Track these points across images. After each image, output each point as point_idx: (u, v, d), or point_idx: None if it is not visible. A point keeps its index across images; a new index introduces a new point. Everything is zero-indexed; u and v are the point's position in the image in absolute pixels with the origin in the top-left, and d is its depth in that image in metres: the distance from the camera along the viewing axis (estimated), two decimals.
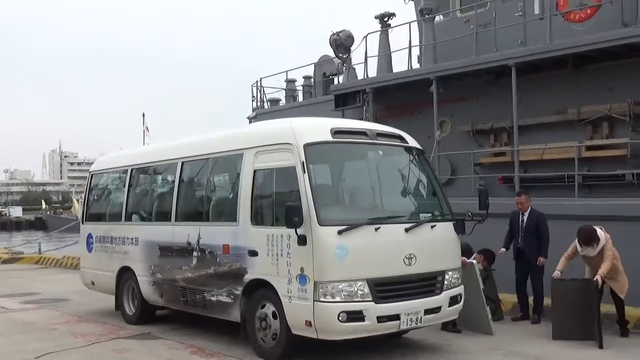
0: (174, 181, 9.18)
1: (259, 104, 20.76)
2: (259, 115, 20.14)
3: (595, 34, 11.40)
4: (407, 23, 14.93)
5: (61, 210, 79.02)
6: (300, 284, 6.91)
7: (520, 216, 9.43)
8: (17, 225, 75.47)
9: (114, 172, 11.09)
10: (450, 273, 7.60)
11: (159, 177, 10.00)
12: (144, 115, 37.11)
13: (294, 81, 20.12)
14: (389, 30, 15.55)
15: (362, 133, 7.68)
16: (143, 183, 10.43)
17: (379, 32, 15.55)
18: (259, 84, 20.42)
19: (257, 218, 7.62)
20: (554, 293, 8.63)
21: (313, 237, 6.75)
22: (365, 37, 15.20)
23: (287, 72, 19.78)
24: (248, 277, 7.60)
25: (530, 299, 9.49)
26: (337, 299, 6.73)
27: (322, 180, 7.12)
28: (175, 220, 8.99)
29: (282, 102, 20.54)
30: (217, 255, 8.09)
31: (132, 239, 9.85)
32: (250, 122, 21.04)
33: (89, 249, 11.03)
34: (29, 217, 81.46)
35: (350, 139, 7.53)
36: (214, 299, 8.16)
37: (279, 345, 7.31)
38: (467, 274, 8.26)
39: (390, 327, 6.99)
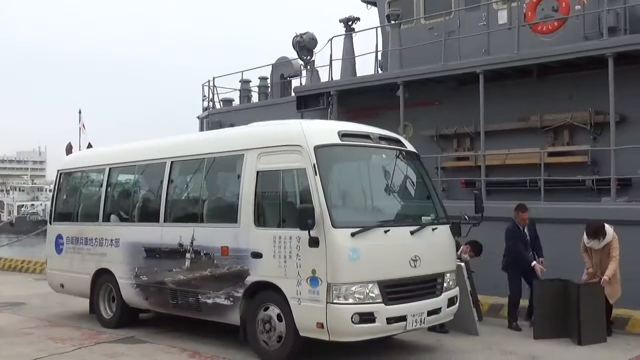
0: (161, 181, 8.97)
1: (210, 103, 20.50)
2: (211, 114, 19.91)
3: (562, 46, 11.92)
4: (374, 28, 15.15)
5: None
6: (311, 286, 6.91)
7: (523, 229, 9.41)
8: None
9: (88, 170, 10.72)
10: (448, 275, 7.80)
11: (144, 177, 9.70)
12: (80, 112, 35.73)
13: (248, 82, 19.97)
14: (353, 34, 15.70)
15: (366, 136, 7.76)
16: (124, 183, 10.12)
17: (343, 36, 15.67)
18: (211, 84, 20.16)
19: (261, 220, 7.57)
20: (536, 294, 8.99)
21: (327, 239, 6.77)
22: (331, 40, 15.29)
23: (242, 72, 19.62)
24: (250, 279, 7.53)
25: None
26: (350, 300, 6.78)
27: (332, 182, 7.14)
28: (164, 221, 8.79)
29: (236, 102, 20.34)
30: (214, 257, 7.97)
31: (111, 240, 9.55)
32: (201, 121, 20.78)
33: (58, 251, 10.61)
34: None
35: (356, 142, 7.60)
36: (209, 301, 8.03)
37: (284, 347, 7.28)
38: (455, 275, 8.45)
39: (397, 328, 7.10)
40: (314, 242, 6.83)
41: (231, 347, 8.01)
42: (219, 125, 19.19)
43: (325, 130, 7.59)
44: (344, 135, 7.51)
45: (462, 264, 8.71)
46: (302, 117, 15.89)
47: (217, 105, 20.35)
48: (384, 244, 7.04)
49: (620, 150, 11.12)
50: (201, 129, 20.75)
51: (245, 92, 20.00)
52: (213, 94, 20.17)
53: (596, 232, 8.46)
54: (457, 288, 8.03)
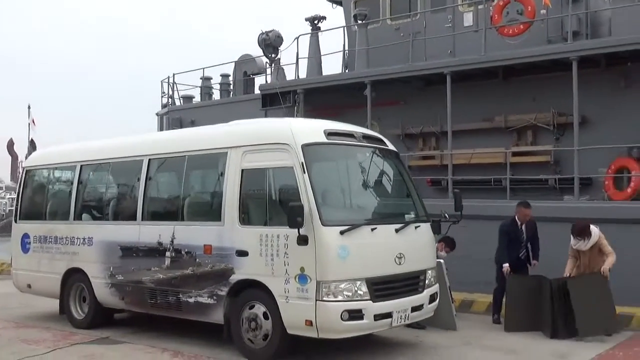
0: (138, 179, 8.82)
1: (169, 100, 20.23)
2: (171, 111, 19.66)
3: (527, 49, 12.25)
4: (341, 27, 15.23)
5: None
6: (300, 283, 6.92)
7: (520, 226, 9.54)
8: None
9: (58, 168, 10.43)
10: (429, 272, 7.93)
11: (119, 175, 9.52)
12: (29, 108, 34.61)
13: (209, 79, 19.78)
14: (319, 33, 15.74)
15: (351, 135, 7.82)
16: (97, 180, 9.90)
17: (310, 35, 15.70)
18: (170, 80, 19.89)
19: (246, 218, 7.54)
20: (509, 289, 9.25)
21: (316, 238, 6.80)
22: (297, 38, 15.30)
23: (203, 69, 19.43)
24: (235, 278, 7.50)
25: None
26: (339, 298, 6.83)
27: (319, 180, 7.16)
28: (142, 220, 8.65)
29: (196, 99, 20.13)
30: (196, 256, 7.89)
31: (84, 238, 9.34)
32: (160, 118, 20.50)
33: (25, 250, 10.31)
34: None
35: (341, 140, 7.65)
36: (191, 300, 7.95)
37: (270, 345, 7.28)
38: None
39: (383, 324, 7.19)
40: (302, 240, 6.85)
41: (214, 346, 7.96)
42: (180, 122, 19.00)
43: (312, 128, 7.61)
44: (329, 134, 7.55)
45: (442, 261, 8.86)
46: (266, 115, 15.87)
47: (177, 102, 20.10)
48: (370, 241, 7.12)
49: (581, 150, 11.49)
50: (160, 126, 20.49)
51: (206, 90, 19.82)
52: (173, 91, 19.91)
53: (581, 231, 8.61)
54: (437, 285, 8.17)
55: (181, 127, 18.74)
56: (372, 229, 7.15)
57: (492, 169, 13.13)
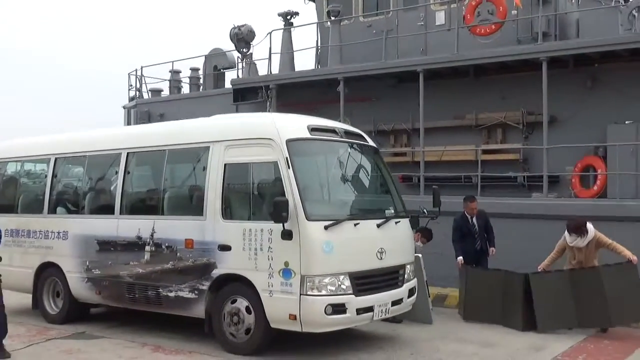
0: (117, 172, 8.74)
1: (136, 93, 19.99)
2: (139, 104, 19.42)
3: (498, 48, 12.50)
4: (314, 23, 15.26)
5: None
6: (283, 278, 6.98)
7: (471, 220, 9.85)
8: None
9: (29, 160, 10.25)
10: (408, 267, 8.07)
11: (96, 168, 9.38)
12: None
13: (178, 72, 19.60)
14: (292, 28, 15.76)
15: (333, 131, 7.90)
16: (73, 174, 9.77)
17: (282, 30, 15.70)
18: (138, 73, 19.66)
19: (228, 212, 7.55)
20: (464, 280, 9.51)
21: (300, 232, 6.86)
22: (270, 33, 15.28)
23: (172, 62, 19.25)
24: (217, 272, 7.51)
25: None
26: (323, 292, 6.91)
27: (303, 176, 7.21)
28: (120, 214, 8.58)
29: (165, 93, 19.92)
30: (177, 250, 7.87)
31: (58, 232, 9.22)
32: (127, 111, 20.25)
33: None
34: None
35: (324, 136, 7.72)
36: (171, 294, 7.93)
37: (253, 339, 7.33)
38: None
39: (365, 318, 7.30)
40: (287, 235, 6.90)
41: (193, 341, 7.97)
42: (148, 115, 18.81)
43: (296, 124, 7.66)
44: (313, 129, 7.62)
45: (420, 255, 9.00)
46: (237, 110, 15.85)
47: (145, 95, 19.87)
48: (353, 236, 7.22)
49: (550, 149, 11.78)
50: (127, 119, 20.25)
51: (175, 83, 19.62)
52: (141, 84, 19.68)
53: (578, 228, 8.64)
54: (416, 279, 8.32)
55: (149, 120, 18.56)
56: (355, 224, 7.25)
57: (462, 166, 13.37)
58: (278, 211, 6.77)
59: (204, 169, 7.81)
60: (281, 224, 6.84)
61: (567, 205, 11.28)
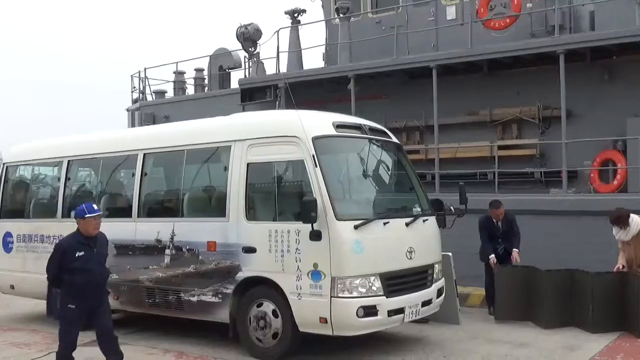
0: (133, 174, 8.51)
1: (140, 95, 19.75)
2: (143, 106, 19.18)
3: (513, 42, 12.30)
4: (323, 20, 15.05)
5: None
6: (313, 280, 6.76)
7: (496, 223, 9.58)
8: None
9: (41, 163, 10.01)
10: (437, 266, 7.87)
11: (111, 170, 9.16)
12: None
13: (183, 73, 19.37)
14: (300, 26, 15.55)
15: (358, 127, 7.69)
16: (87, 176, 9.54)
17: (289, 28, 15.48)
18: (141, 75, 19.41)
19: (253, 213, 7.32)
20: (497, 279, 9.27)
21: (330, 232, 6.64)
22: (277, 31, 15.05)
23: (176, 63, 19.01)
24: (242, 275, 7.29)
25: None
26: (355, 294, 6.69)
27: (331, 174, 6.99)
28: (138, 217, 8.35)
29: (169, 94, 19.69)
30: (199, 253, 7.65)
31: None
32: (132, 113, 19.99)
33: (7, 249, 9.86)
34: None
35: (349, 133, 7.51)
36: (193, 299, 7.70)
37: (281, 344, 7.11)
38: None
39: (396, 320, 7.08)
40: (316, 236, 6.68)
41: (217, 346, 7.75)
42: (152, 117, 18.56)
43: (321, 121, 7.45)
44: (338, 126, 7.41)
45: (449, 254, 8.76)
46: (244, 110, 15.61)
47: (149, 97, 19.63)
48: (383, 236, 7.00)
49: (567, 143, 11.57)
50: (131, 121, 19.99)
51: (179, 84, 19.39)
52: (144, 86, 19.44)
53: (617, 219, 8.24)
54: (444, 279, 8.10)
55: (154, 122, 18.32)
56: (385, 223, 7.03)
57: (476, 162, 13.17)
58: (307, 211, 6.55)
59: (225, 168, 7.59)
60: (310, 225, 6.61)
61: (587, 201, 11.09)
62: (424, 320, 8.82)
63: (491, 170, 12.58)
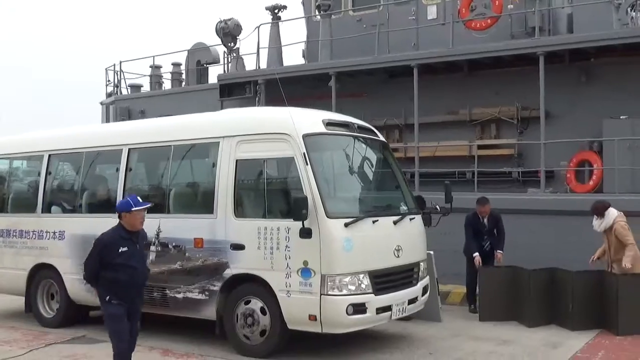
0: (117, 169, 8.39)
1: (115, 89, 19.49)
2: (118, 100, 18.93)
3: (493, 43, 12.43)
4: (304, 17, 15.03)
5: None
6: (302, 277, 6.76)
7: (482, 219, 9.71)
8: None
9: (19, 157, 9.83)
10: (422, 264, 7.93)
11: (94, 165, 9.01)
12: None
13: (159, 67, 19.16)
14: (280, 22, 15.49)
15: (347, 125, 7.70)
16: (69, 171, 9.37)
17: (270, 24, 15.42)
18: (116, 68, 19.15)
19: (241, 210, 7.29)
20: (480, 280, 9.38)
21: (320, 230, 6.64)
22: (258, 27, 15.00)
23: (153, 57, 18.77)
24: (230, 272, 7.25)
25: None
26: (344, 292, 6.71)
27: (321, 172, 7.00)
28: None
29: (145, 88, 19.46)
30: (185, 250, 7.58)
31: (54, 232, 8.83)
32: (106, 107, 19.72)
33: None
34: None
35: (339, 130, 7.52)
36: (179, 296, 7.64)
37: (268, 341, 7.09)
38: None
39: (384, 318, 7.12)
40: (306, 233, 6.67)
41: (203, 344, 7.70)
42: (128, 111, 18.35)
43: (311, 118, 7.44)
44: (328, 124, 7.42)
45: (432, 252, 8.84)
46: (222, 106, 15.51)
47: (124, 91, 19.38)
48: (372, 234, 7.04)
49: (545, 144, 11.74)
50: (106, 115, 19.74)
51: (156, 78, 19.17)
52: (120, 79, 19.18)
53: (594, 207, 8.56)
54: (428, 277, 8.17)
55: (129, 117, 18.12)
56: (374, 221, 7.06)
57: (455, 161, 13.29)
58: (298, 208, 6.55)
59: (214, 165, 7.54)
60: (300, 222, 6.61)
61: (565, 201, 11.28)
62: (406, 318, 8.90)
63: (470, 169, 12.72)
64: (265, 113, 7.83)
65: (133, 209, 5.85)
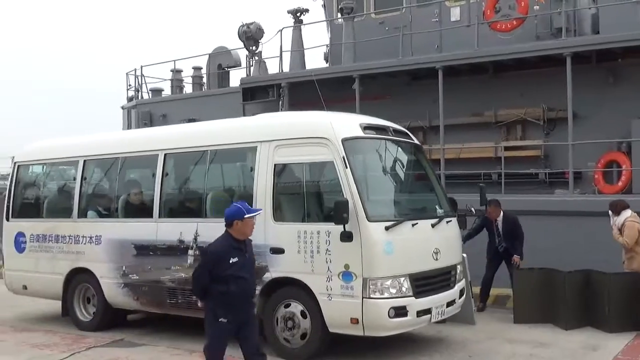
0: (153, 174, 8.47)
1: (136, 93, 19.62)
2: (139, 104, 19.06)
3: (519, 44, 12.42)
4: (326, 20, 15.06)
5: None
6: (344, 281, 6.80)
7: (493, 222, 9.80)
8: None
9: (55, 163, 9.93)
10: (459, 267, 7.95)
11: (129, 170, 9.12)
12: None
13: (180, 71, 19.26)
14: (302, 26, 15.54)
15: (384, 129, 7.74)
16: (104, 176, 9.44)
17: (292, 27, 15.47)
18: (137, 72, 19.28)
19: (280, 214, 7.34)
20: (516, 282, 9.38)
21: (361, 234, 6.68)
22: (281, 30, 15.05)
23: (174, 61, 18.89)
24: (270, 276, 7.30)
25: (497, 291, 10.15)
26: (386, 295, 6.75)
27: (361, 175, 7.04)
28: (160, 217, 8.31)
29: (166, 92, 19.58)
30: None
31: (90, 237, 8.92)
32: (127, 111, 19.85)
33: (19, 249, 9.77)
34: None
35: (376, 134, 7.56)
36: None
37: (309, 344, 7.14)
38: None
39: (424, 320, 7.15)
40: (346, 237, 6.72)
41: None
42: (149, 115, 18.47)
43: (349, 122, 7.49)
44: (365, 127, 7.46)
45: (465, 255, 8.85)
46: (244, 109, 15.58)
47: (145, 96, 19.50)
48: (411, 237, 7.07)
49: (573, 145, 11.71)
50: (127, 120, 19.87)
51: (177, 82, 19.27)
52: (141, 84, 19.31)
53: (611, 204, 8.85)
54: (464, 279, 8.19)
55: (151, 121, 18.25)
56: (413, 225, 7.09)
57: (481, 163, 13.28)
58: (339, 212, 6.58)
59: (251, 169, 7.60)
60: (341, 226, 6.65)
61: (593, 202, 11.22)
62: (441, 321, 8.92)
63: (496, 171, 12.71)
64: (303, 118, 7.86)
65: (246, 216, 5.55)
